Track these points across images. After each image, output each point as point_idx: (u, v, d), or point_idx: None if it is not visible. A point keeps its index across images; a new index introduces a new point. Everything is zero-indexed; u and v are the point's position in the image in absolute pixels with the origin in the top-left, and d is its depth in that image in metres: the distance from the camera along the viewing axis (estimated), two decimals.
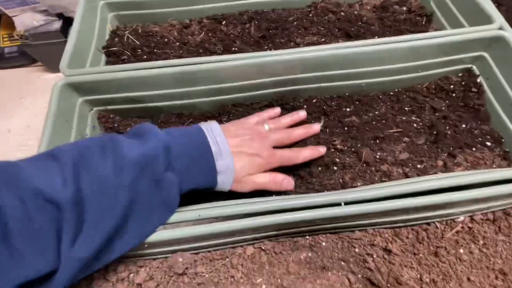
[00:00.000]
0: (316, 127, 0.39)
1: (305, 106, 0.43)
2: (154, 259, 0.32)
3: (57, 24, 0.53)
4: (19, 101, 0.55)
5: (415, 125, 0.42)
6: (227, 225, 0.27)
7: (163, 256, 0.31)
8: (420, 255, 0.32)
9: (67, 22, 0.56)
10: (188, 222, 0.28)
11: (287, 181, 0.34)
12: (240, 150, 0.31)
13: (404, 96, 0.44)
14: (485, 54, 0.41)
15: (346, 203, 0.28)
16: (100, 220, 0.22)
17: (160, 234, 0.27)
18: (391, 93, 0.44)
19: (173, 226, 0.28)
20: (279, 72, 0.39)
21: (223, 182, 0.30)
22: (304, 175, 0.37)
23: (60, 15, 0.54)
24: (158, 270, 0.31)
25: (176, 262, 0.30)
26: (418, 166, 0.37)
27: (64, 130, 0.36)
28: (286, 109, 0.43)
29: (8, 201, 0.20)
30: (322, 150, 0.37)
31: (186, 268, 0.30)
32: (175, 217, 0.27)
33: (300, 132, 0.38)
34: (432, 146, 0.40)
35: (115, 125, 0.42)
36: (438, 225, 0.33)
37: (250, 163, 0.31)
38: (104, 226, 0.22)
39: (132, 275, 0.30)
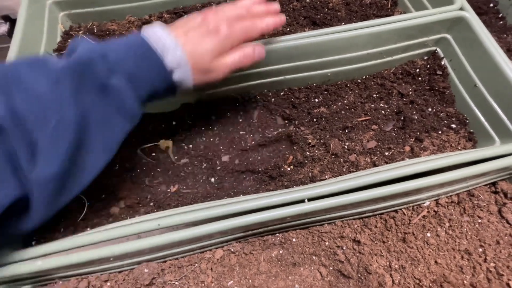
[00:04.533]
0: (276, 6, 0.33)
1: (273, 99, 0.42)
2: (120, 272, 0.31)
3: (3, 28, 0.49)
4: None
5: (383, 111, 0.42)
6: (185, 233, 0.26)
7: (129, 267, 0.30)
8: (389, 242, 0.33)
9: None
10: (148, 232, 0.27)
11: (258, 49, 0.30)
12: (191, 33, 0.27)
13: (372, 83, 0.44)
14: (448, 36, 0.41)
15: (310, 199, 0.28)
16: (54, 136, 0.21)
17: (123, 246, 0.26)
18: (359, 80, 0.44)
19: (135, 237, 0.27)
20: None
21: (183, 79, 0.27)
22: (274, 175, 0.36)
23: (6, 18, 0.50)
24: (124, 283, 0.30)
25: (142, 274, 0.29)
26: (386, 153, 0.37)
27: None
28: (253, 102, 0.42)
29: None
30: (283, 17, 0.32)
31: (153, 278, 0.29)
32: (132, 228, 0.26)
33: (261, 8, 0.31)
34: (399, 132, 0.40)
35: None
36: (405, 211, 0.33)
37: (209, 42, 0.27)
38: (61, 141, 0.21)
39: None
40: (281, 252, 0.32)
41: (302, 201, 0.27)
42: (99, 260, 0.26)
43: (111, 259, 0.28)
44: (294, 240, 0.32)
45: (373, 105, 0.42)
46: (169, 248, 0.29)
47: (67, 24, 0.48)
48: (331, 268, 0.32)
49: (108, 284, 0.29)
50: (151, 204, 0.34)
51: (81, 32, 0.47)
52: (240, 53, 0.29)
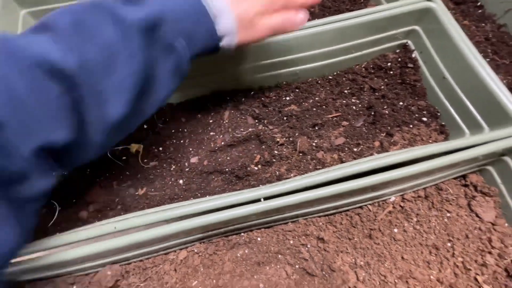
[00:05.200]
0: None
1: (243, 99, 0.42)
2: (86, 274, 0.31)
3: None
4: None
5: (354, 107, 0.41)
6: (140, 235, 0.26)
7: (94, 270, 0.31)
8: (355, 239, 0.32)
9: None
10: (106, 235, 0.27)
11: (302, 15, 0.31)
12: None
13: (344, 78, 0.43)
14: (417, 28, 0.40)
15: (266, 198, 0.27)
16: (121, 87, 0.22)
17: (80, 250, 0.26)
18: (330, 77, 0.44)
19: (93, 240, 0.28)
20: (209, 64, 0.38)
21: (229, 44, 0.28)
22: (241, 175, 0.36)
23: None
24: (91, 286, 0.30)
25: (105, 276, 0.29)
26: (355, 149, 0.37)
27: None
28: (223, 102, 0.42)
29: (7, 71, 0.19)
30: None
31: (117, 281, 0.30)
32: (90, 232, 0.27)
33: None
34: (370, 127, 0.39)
35: None
36: (370, 207, 0.33)
37: (254, 1, 0.28)
38: (127, 92, 0.23)
39: None
40: (246, 251, 0.32)
41: (258, 200, 0.27)
42: (62, 263, 0.27)
43: (79, 261, 0.28)
44: (259, 239, 0.33)
45: (344, 101, 0.42)
46: (132, 249, 0.29)
47: (31, 23, 0.49)
48: (296, 266, 0.32)
49: (75, 287, 0.30)
50: (119, 207, 0.34)
51: None
52: (283, 15, 0.30)
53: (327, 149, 0.37)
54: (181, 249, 0.32)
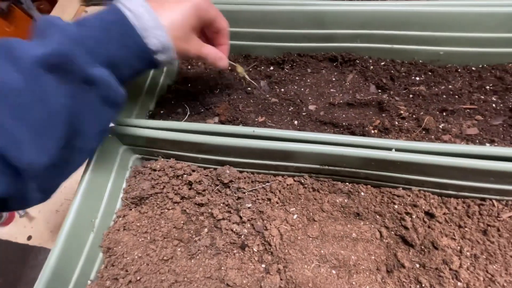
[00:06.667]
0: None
1: (371, 67, 0.42)
2: (205, 168, 0.36)
3: None
4: None
5: (494, 105, 0.38)
6: (276, 144, 0.29)
7: (212, 166, 0.35)
8: (466, 229, 0.30)
9: None
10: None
11: (224, 61, 0.32)
12: (170, 6, 0.27)
13: (489, 74, 0.40)
14: None
15: (398, 150, 0.28)
16: (41, 129, 0.21)
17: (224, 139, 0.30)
18: (473, 68, 0.40)
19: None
20: (350, 25, 0.39)
21: (166, 59, 0.27)
22: (357, 132, 0.37)
23: None
24: (207, 178, 0.35)
25: (224, 173, 0.33)
26: (487, 144, 0.34)
27: None
28: (350, 65, 0.43)
29: None
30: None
31: (231, 181, 0.34)
32: (232, 128, 0.31)
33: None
34: (510, 129, 0.36)
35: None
36: (495, 203, 0.30)
37: (188, 11, 0.27)
38: (49, 133, 0.21)
39: (185, 175, 0.35)
40: (346, 200, 0.33)
41: (388, 149, 0.28)
42: (201, 145, 0.31)
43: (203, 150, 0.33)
44: (362, 193, 0.33)
45: (482, 97, 0.39)
46: (255, 157, 0.32)
47: None
48: (393, 232, 0.32)
49: (195, 172, 0.35)
50: (240, 126, 0.38)
51: None
52: (213, 52, 0.31)
53: (456, 135, 0.35)
54: (289, 175, 0.34)
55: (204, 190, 0.34)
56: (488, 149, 0.27)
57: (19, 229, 0.48)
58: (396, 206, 0.32)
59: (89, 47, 0.23)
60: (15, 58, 0.20)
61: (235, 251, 0.32)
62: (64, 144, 0.22)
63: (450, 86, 0.40)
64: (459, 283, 0.28)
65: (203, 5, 0.28)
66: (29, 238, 0.47)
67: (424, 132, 0.36)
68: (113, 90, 0.25)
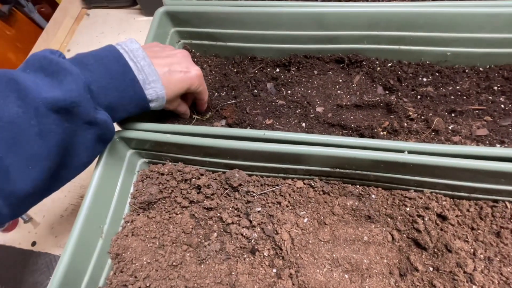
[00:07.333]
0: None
1: (378, 68, 0.42)
2: (213, 172, 0.35)
3: None
4: (117, 36, 0.65)
5: (502, 106, 0.38)
6: (285, 147, 0.29)
7: (221, 170, 0.35)
8: (479, 231, 0.30)
9: None
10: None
11: (187, 116, 0.38)
12: (171, 69, 0.30)
13: (496, 74, 0.40)
14: None
15: (410, 152, 0.27)
16: (31, 162, 0.22)
17: (231, 142, 0.30)
18: (481, 69, 0.40)
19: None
20: (356, 26, 0.38)
21: (158, 106, 0.31)
22: (366, 134, 0.37)
23: None
24: (215, 182, 0.35)
25: (233, 176, 0.33)
26: (498, 145, 0.34)
27: None
28: (357, 66, 0.42)
29: None
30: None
31: (240, 185, 0.33)
32: (240, 132, 0.30)
33: None
34: None
35: (194, 60, 0.46)
36: (508, 204, 0.30)
37: (182, 81, 0.31)
38: (39, 168, 0.22)
39: (194, 179, 0.35)
40: (356, 203, 0.33)
41: (400, 151, 0.28)
42: (209, 149, 0.31)
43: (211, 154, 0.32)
44: (373, 196, 0.33)
45: (490, 97, 0.39)
46: (265, 160, 0.32)
47: None
48: (405, 235, 0.32)
49: (204, 176, 0.35)
50: (248, 128, 0.38)
51: None
52: (184, 109, 0.36)
53: (466, 136, 0.35)
54: (299, 178, 0.34)
55: (213, 194, 0.34)
56: (499, 150, 0.27)
57: (23, 234, 0.48)
58: (407, 209, 0.32)
59: (95, 93, 0.25)
60: (24, 96, 0.21)
61: (245, 256, 0.32)
62: (50, 174, 0.24)
63: (457, 87, 0.40)
64: (474, 286, 0.28)
65: (196, 83, 0.32)
66: (34, 244, 0.47)
67: (433, 133, 0.36)
68: (109, 130, 0.27)
